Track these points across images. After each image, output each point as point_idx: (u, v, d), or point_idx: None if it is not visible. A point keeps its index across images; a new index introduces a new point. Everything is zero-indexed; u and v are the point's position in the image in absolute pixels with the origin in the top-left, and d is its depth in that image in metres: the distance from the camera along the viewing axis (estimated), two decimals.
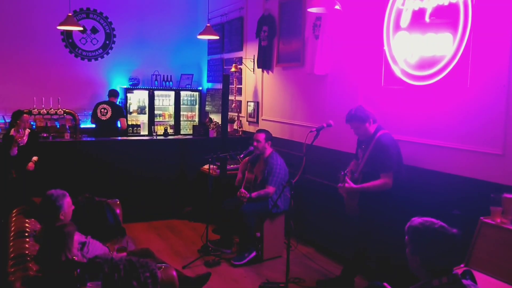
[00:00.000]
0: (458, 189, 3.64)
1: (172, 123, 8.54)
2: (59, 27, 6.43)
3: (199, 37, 6.89)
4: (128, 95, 8.27)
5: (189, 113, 8.80)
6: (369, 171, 3.88)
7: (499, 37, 3.36)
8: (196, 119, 8.78)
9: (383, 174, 3.80)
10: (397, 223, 2.93)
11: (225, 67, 7.79)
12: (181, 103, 8.63)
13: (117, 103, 7.73)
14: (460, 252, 2.14)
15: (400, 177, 3.85)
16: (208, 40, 8.12)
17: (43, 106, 6.55)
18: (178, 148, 6.67)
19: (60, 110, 6.54)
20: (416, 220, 2.18)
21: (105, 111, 7.36)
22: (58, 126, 7.14)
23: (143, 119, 8.46)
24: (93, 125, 7.52)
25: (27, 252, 3.08)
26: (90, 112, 7.57)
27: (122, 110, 7.71)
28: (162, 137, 7.25)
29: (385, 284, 2.60)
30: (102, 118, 7.34)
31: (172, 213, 6.50)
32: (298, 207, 5.52)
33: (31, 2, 7.80)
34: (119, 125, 7.50)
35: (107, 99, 7.63)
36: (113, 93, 7.66)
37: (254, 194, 4.97)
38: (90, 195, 4.65)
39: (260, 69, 6.56)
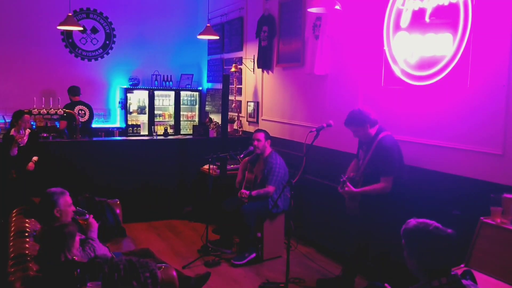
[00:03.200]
0: (458, 189, 3.64)
1: (172, 123, 8.53)
2: (59, 27, 6.43)
3: (199, 37, 6.90)
4: (128, 95, 8.27)
5: (189, 113, 8.80)
6: (370, 173, 3.86)
7: (499, 37, 3.36)
8: (196, 119, 8.78)
9: (383, 178, 3.77)
10: (397, 223, 2.93)
11: (225, 67, 7.79)
12: (181, 103, 8.62)
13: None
14: (457, 252, 2.14)
15: (402, 178, 3.83)
16: (208, 40, 8.12)
17: (43, 106, 6.55)
18: (178, 148, 6.67)
19: (60, 110, 6.53)
20: (411, 223, 2.18)
21: (83, 112, 7.25)
22: (58, 126, 7.13)
23: (143, 119, 8.45)
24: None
25: (27, 252, 3.08)
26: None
27: (92, 110, 7.49)
28: (162, 137, 7.24)
29: (386, 285, 2.60)
30: (81, 120, 7.08)
31: (172, 213, 6.49)
32: (298, 207, 5.53)
33: (31, 2, 7.79)
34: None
35: (70, 98, 7.34)
36: (79, 91, 7.39)
37: (254, 193, 4.98)
38: (90, 195, 4.65)
39: (260, 69, 6.56)
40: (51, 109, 6.55)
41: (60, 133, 6.79)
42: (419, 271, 2.13)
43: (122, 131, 8.15)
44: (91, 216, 3.62)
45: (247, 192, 4.98)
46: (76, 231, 2.99)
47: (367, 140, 3.95)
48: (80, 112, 7.19)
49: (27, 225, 3.57)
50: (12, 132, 5.56)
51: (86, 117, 7.29)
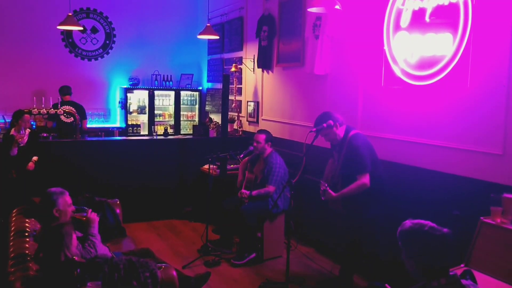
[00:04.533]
0: (458, 189, 3.64)
1: (172, 123, 8.53)
2: (59, 27, 6.43)
3: (199, 37, 6.89)
4: (128, 95, 8.26)
5: (189, 113, 8.80)
6: (347, 173, 3.94)
7: (499, 37, 3.36)
8: (196, 119, 8.78)
9: (358, 175, 3.86)
10: (396, 222, 2.93)
11: (225, 67, 7.79)
12: (181, 103, 8.62)
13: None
14: (454, 251, 2.15)
15: (378, 173, 3.91)
16: (208, 40, 8.11)
17: (43, 106, 6.54)
18: (178, 148, 6.67)
19: (60, 110, 6.53)
20: (407, 224, 2.20)
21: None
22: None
23: (143, 119, 8.45)
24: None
25: (27, 252, 3.08)
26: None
27: (84, 110, 7.23)
28: (162, 137, 7.24)
29: (386, 285, 2.60)
30: (67, 121, 6.69)
31: (172, 213, 6.50)
32: (298, 207, 5.52)
33: (31, 1, 7.79)
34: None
35: (61, 98, 7.05)
36: (70, 91, 7.21)
37: (254, 192, 4.98)
38: (90, 195, 4.65)
39: (260, 69, 6.55)
40: (51, 109, 6.54)
41: (50, 133, 6.65)
42: (417, 272, 2.14)
43: (122, 131, 8.14)
44: (90, 210, 3.61)
45: (248, 192, 4.98)
46: (73, 229, 2.98)
47: (338, 142, 4.07)
48: (65, 112, 6.69)
49: (27, 224, 3.57)
50: (12, 132, 5.56)
51: (72, 118, 6.72)
